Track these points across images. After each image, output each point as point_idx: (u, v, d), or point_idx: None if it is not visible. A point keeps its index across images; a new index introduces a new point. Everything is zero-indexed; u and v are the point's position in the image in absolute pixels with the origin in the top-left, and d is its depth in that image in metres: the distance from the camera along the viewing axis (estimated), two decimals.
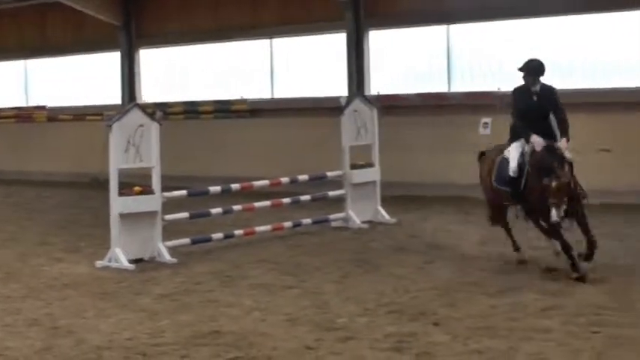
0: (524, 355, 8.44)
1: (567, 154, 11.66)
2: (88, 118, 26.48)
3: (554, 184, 11.16)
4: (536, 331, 9.22)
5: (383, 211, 16.92)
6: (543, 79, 12.17)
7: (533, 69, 12.04)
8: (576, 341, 8.81)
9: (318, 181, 17.02)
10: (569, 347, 8.62)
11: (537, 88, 12.02)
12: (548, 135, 11.84)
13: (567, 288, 11.05)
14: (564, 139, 11.75)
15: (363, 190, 16.82)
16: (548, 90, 12.10)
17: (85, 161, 25.14)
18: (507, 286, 11.28)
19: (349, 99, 18.20)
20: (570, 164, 11.71)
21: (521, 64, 12.08)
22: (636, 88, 18.65)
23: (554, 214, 11.14)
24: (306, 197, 16.50)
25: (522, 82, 12.19)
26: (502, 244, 14.26)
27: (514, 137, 12.22)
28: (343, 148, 16.70)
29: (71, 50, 28.16)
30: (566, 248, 11.60)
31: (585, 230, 11.65)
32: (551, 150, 11.56)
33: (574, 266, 11.46)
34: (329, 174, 16.81)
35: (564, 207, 11.20)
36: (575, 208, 11.57)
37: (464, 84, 21.21)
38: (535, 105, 11.98)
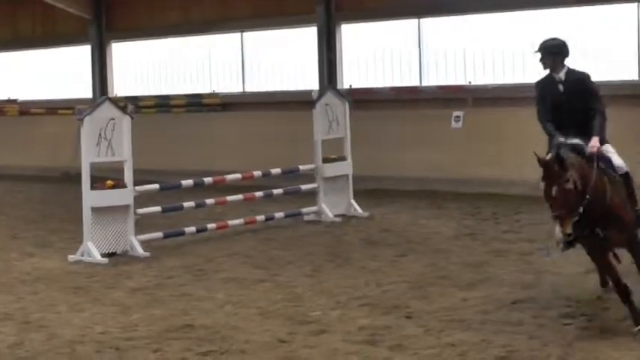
0: (496, 348, 8.49)
1: (617, 160, 9.39)
2: (60, 112, 26.36)
3: (554, 189, 8.50)
4: (508, 323, 9.28)
5: (356, 205, 16.94)
6: (572, 64, 9.72)
7: (551, 49, 9.62)
8: (547, 333, 8.87)
9: (291, 174, 17.01)
10: (540, 339, 8.68)
11: (562, 75, 9.55)
12: (587, 135, 9.27)
13: (538, 281, 11.11)
14: (595, 138, 9.19)
15: (336, 184, 16.83)
16: (578, 76, 9.61)
17: (57, 155, 25.03)
18: (479, 280, 11.34)
19: (321, 92, 18.21)
20: (625, 175, 9.39)
21: (537, 46, 9.72)
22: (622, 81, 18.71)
23: (557, 232, 8.51)
24: (278, 191, 16.50)
25: (544, 73, 9.75)
26: (473, 237, 14.34)
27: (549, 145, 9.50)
28: (315, 141, 16.71)
29: (42, 44, 28.03)
30: (622, 293, 8.96)
31: None
32: (561, 147, 8.89)
33: (636, 317, 8.80)
34: (301, 167, 16.81)
35: (574, 219, 8.50)
36: (622, 235, 9.05)
37: (436, 77, 21.26)
38: (561, 97, 9.53)
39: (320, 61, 22.44)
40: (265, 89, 23.81)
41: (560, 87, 9.54)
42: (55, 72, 27.99)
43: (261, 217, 15.92)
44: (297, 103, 21.34)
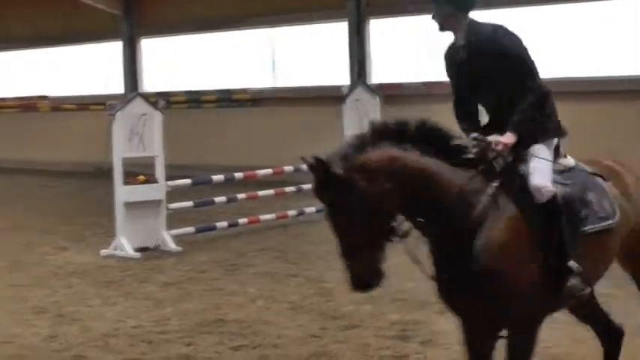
0: None
1: (537, 178, 5.83)
2: (91, 107, 26.51)
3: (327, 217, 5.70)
4: None
5: None
6: (484, 18, 6.36)
7: None
8: (580, 330, 8.83)
9: None
10: (573, 336, 8.65)
11: (461, 36, 6.30)
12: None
13: None
14: (509, 134, 5.89)
15: None
16: (485, 33, 6.10)
17: (89, 151, 25.17)
18: None
19: (351, 88, 18.20)
20: (551, 205, 5.79)
21: None
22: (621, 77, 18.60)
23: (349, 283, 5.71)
24: (309, 186, 16.46)
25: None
26: None
27: None
28: (346, 136, 16.69)
29: (73, 40, 28.18)
30: None
31: None
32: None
33: None
34: None
35: (377, 255, 5.70)
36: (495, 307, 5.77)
37: None
38: (464, 68, 6.35)
39: (350, 56, 22.44)
40: (295, 85, 23.82)
41: (463, 54, 6.29)
42: (87, 68, 28.14)
43: (292, 212, 15.96)
44: (328, 98, 21.32)
